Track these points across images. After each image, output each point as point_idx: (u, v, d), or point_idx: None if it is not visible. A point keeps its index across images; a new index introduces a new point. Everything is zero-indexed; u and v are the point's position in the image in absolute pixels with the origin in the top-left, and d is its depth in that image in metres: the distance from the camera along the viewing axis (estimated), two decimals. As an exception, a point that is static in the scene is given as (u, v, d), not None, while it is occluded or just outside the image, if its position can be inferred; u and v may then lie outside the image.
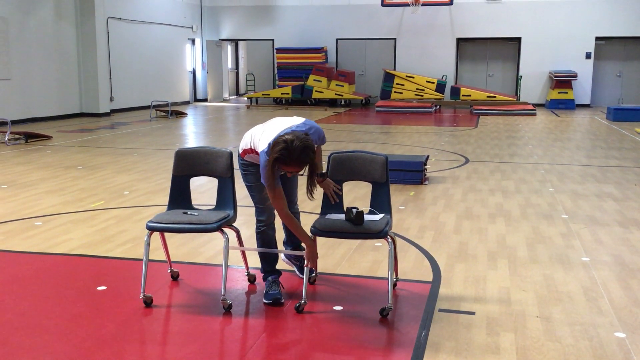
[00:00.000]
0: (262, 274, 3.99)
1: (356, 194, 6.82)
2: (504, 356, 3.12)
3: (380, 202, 3.92)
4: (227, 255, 3.70)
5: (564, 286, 4.09)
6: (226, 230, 3.77)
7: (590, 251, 4.85)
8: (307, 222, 5.58)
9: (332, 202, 3.90)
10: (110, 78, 17.19)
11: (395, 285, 4.03)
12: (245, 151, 3.83)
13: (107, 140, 11.70)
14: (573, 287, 4.07)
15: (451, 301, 3.83)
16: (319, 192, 3.89)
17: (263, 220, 3.91)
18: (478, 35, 21.01)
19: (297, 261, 4.25)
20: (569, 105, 19.67)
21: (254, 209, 3.96)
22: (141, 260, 4.28)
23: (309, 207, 6.24)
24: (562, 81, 19.72)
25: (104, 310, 3.65)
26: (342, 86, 20.44)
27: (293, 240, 4.14)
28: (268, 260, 3.97)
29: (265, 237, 3.93)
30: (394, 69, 21.41)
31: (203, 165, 4.01)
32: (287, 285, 4.09)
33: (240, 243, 4.09)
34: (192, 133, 13.14)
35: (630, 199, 6.70)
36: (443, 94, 20.15)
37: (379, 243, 4.94)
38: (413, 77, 20.35)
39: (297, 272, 4.24)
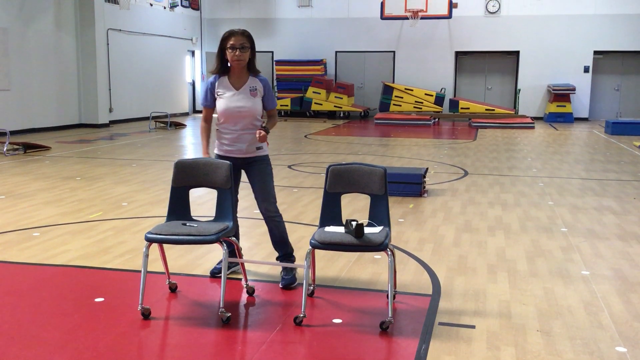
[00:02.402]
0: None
1: (355, 206, 6.81)
2: (504, 370, 3.10)
3: (379, 214, 3.91)
4: (226, 267, 3.68)
5: (564, 300, 4.07)
6: (225, 242, 3.75)
7: (590, 265, 4.84)
8: (305, 234, 5.58)
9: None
10: (110, 89, 17.21)
11: (394, 298, 4.01)
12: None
13: (106, 151, 11.70)
14: (573, 301, 4.05)
15: (451, 315, 3.81)
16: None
17: None
18: (477, 49, 21.10)
19: (286, 274, 4.31)
20: (568, 118, 19.72)
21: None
22: (139, 271, 4.26)
23: (308, 218, 6.23)
24: (561, 95, 19.79)
25: (102, 322, 3.62)
26: (341, 98, 20.49)
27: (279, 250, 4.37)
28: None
29: None
30: (393, 82, 21.48)
31: (202, 176, 4.00)
32: (288, 297, 4.06)
33: (240, 255, 4.07)
34: (191, 144, 13.14)
35: (630, 213, 6.69)
36: (442, 106, 20.21)
37: (378, 255, 4.93)
38: (412, 90, 20.41)
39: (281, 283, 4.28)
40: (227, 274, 4.30)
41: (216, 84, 4.23)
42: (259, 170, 4.28)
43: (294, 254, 4.45)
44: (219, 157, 4.29)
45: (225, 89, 4.20)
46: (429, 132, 16.15)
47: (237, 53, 4.09)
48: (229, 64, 4.18)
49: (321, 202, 4.01)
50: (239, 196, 4.45)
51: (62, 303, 3.92)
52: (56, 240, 5.42)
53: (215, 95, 4.23)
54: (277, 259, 4.42)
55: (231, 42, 4.09)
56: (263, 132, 4.09)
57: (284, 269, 4.32)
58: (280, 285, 4.26)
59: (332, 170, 3.97)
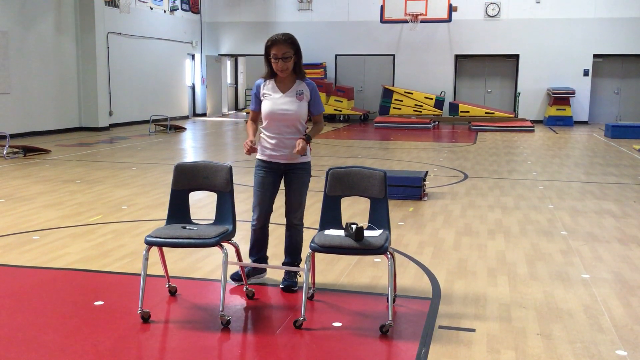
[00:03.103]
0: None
1: (355, 210, 6.80)
2: (504, 374, 3.09)
3: (379, 217, 3.91)
4: (226, 271, 3.67)
5: (564, 303, 4.06)
6: (225, 245, 3.75)
7: (590, 268, 4.84)
8: (305, 238, 5.56)
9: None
10: (110, 92, 17.22)
11: (394, 301, 4.01)
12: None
13: (105, 154, 11.70)
14: (573, 305, 4.04)
15: (451, 318, 3.80)
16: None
17: (255, 219, 4.28)
18: (476, 52, 21.12)
19: (289, 277, 4.31)
20: (567, 122, 19.74)
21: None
22: (139, 275, 4.26)
23: (308, 222, 6.23)
24: (560, 98, 19.81)
25: (101, 326, 3.61)
26: (341, 102, 20.51)
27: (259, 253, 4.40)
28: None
29: (255, 235, 4.31)
30: (393, 85, 21.49)
31: (202, 179, 4.00)
32: (288, 300, 4.06)
33: (239, 258, 4.06)
34: (191, 148, 13.15)
35: (630, 216, 6.69)
36: (441, 110, 20.22)
37: (378, 259, 4.92)
38: (412, 93, 20.43)
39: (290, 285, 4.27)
40: (250, 282, 4.33)
41: (262, 86, 4.20)
42: (298, 178, 4.20)
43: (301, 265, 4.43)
44: (262, 162, 4.20)
45: (271, 92, 4.16)
46: (429, 135, 16.16)
47: (279, 64, 4.04)
48: None
49: (321, 205, 4.02)
50: (274, 206, 4.35)
51: (62, 306, 3.91)
52: (56, 243, 5.41)
53: (261, 98, 4.19)
54: (283, 263, 4.41)
55: (274, 52, 4.03)
56: (302, 144, 3.99)
57: (287, 271, 4.31)
58: (281, 286, 4.25)
59: (332, 173, 3.97)
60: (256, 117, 4.31)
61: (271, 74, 4.17)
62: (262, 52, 4.21)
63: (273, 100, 4.13)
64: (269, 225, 4.36)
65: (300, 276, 4.36)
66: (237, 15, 22.76)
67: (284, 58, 4.03)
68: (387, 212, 3.90)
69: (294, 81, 4.17)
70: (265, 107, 4.14)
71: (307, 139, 4.07)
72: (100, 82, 16.51)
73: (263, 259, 4.40)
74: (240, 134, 16.30)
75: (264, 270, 4.47)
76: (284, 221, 4.38)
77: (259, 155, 4.21)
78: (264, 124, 4.18)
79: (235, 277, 4.39)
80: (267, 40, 4.09)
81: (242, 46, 22.93)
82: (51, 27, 15.36)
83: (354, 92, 21.64)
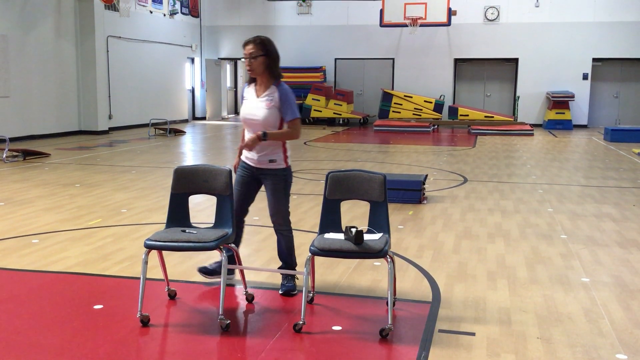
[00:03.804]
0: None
1: (354, 213, 6.80)
2: (504, 378, 3.09)
3: (379, 221, 3.91)
4: (226, 274, 3.67)
5: (564, 307, 4.06)
6: (224, 248, 3.74)
7: (590, 272, 4.83)
8: (305, 241, 5.57)
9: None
10: (110, 96, 17.23)
11: (394, 305, 4.00)
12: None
13: (105, 158, 11.70)
14: (573, 308, 4.04)
15: (451, 322, 3.80)
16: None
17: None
18: (476, 56, 21.14)
19: (287, 281, 4.31)
20: (567, 125, 19.75)
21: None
22: (138, 278, 4.25)
23: (308, 225, 6.22)
24: (560, 102, 19.82)
25: (100, 330, 3.61)
26: (341, 105, 20.52)
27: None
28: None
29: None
30: (392, 89, 21.51)
31: (202, 183, 4.00)
32: (287, 304, 4.05)
33: (239, 262, 4.06)
34: (191, 151, 13.15)
35: (629, 220, 6.69)
36: (441, 113, 20.23)
37: (377, 262, 4.92)
38: (411, 97, 20.44)
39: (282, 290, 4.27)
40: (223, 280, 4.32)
41: (245, 89, 4.28)
42: (270, 185, 4.19)
43: (296, 268, 4.43)
44: (241, 161, 4.31)
45: (249, 95, 4.22)
46: (428, 139, 16.16)
47: (246, 63, 4.12)
48: None
49: (321, 208, 4.01)
50: (250, 207, 4.39)
51: (61, 310, 3.91)
52: (55, 247, 5.41)
53: (243, 101, 4.29)
54: (280, 267, 4.41)
55: (244, 52, 4.13)
56: (251, 139, 4.01)
57: (285, 276, 4.31)
58: (280, 292, 4.25)
59: (332, 177, 3.97)
60: None
61: (253, 78, 4.23)
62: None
63: (246, 104, 4.20)
64: (265, 229, 4.36)
65: (297, 279, 4.36)
66: (236, 19, 22.78)
67: (251, 57, 4.07)
68: (387, 215, 3.90)
69: (269, 85, 4.16)
70: (241, 111, 4.24)
71: (263, 137, 4.01)
72: (99, 86, 16.51)
73: (232, 258, 4.36)
74: (240, 137, 16.29)
75: (232, 272, 4.47)
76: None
77: (242, 155, 4.34)
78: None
79: (204, 270, 4.42)
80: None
81: (242, 50, 22.90)
82: (51, 30, 15.37)
83: (353, 96, 21.65)
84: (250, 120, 4.14)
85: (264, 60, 4.10)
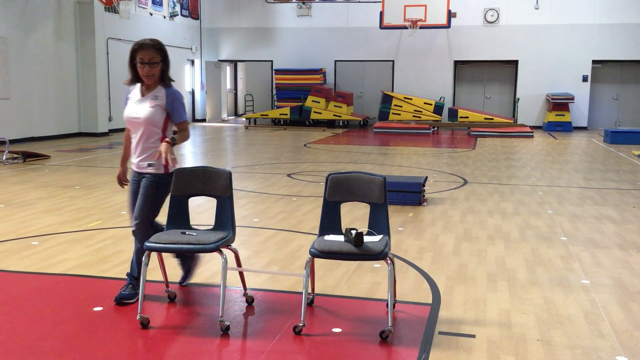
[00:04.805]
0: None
1: (354, 215, 6.80)
2: (504, 380, 3.08)
3: (379, 223, 3.90)
4: (225, 276, 3.67)
5: (564, 309, 4.06)
6: (224, 250, 3.74)
7: (590, 274, 4.83)
8: (305, 243, 5.57)
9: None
10: (110, 98, 17.23)
11: (394, 307, 4.00)
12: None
13: (105, 159, 11.69)
14: (573, 310, 4.04)
15: (451, 324, 3.79)
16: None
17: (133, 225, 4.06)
18: (475, 58, 21.16)
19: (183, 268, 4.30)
20: (566, 127, 19.76)
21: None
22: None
23: (307, 227, 6.22)
24: (559, 104, 19.83)
25: (100, 332, 3.60)
26: (341, 107, 20.52)
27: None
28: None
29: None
30: (392, 91, 21.52)
31: (202, 184, 4.00)
32: (287, 306, 4.05)
33: (239, 264, 4.06)
34: (191, 153, 13.15)
35: (629, 222, 6.69)
36: (441, 115, 20.23)
37: (377, 264, 4.92)
38: (411, 99, 20.45)
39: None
40: (183, 284, 4.34)
41: (129, 91, 4.10)
42: (142, 188, 4.00)
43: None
44: (132, 169, 4.14)
45: (134, 95, 4.05)
46: (428, 141, 16.16)
47: (145, 69, 3.90)
48: None
49: (320, 210, 4.01)
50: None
51: (61, 312, 3.90)
52: (55, 249, 5.40)
53: (127, 102, 4.09)
54: (128, 274, 4.21)
55: (140, 57, 3.89)
56: (162, 148, 3.77)
57: (128, 282, 4.13)
58: (115, 298, 4.07)
59: (332, 178, 3.97)
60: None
61: (136, 80, 4.04)
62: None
63: (130, 104, 4.04)
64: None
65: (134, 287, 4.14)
66: (236, 21, 22.80)
67: (150, 63, 3.90)
68: (387, 217, 3.90)
69: (156, 86, 4.03)
70: (124, 111, 4.07)
71: (172, 141, 3.87)
72: (99, 88, 16.52)
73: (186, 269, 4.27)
74: (240, 139, 16.32)
75: (184, 280, 4.38)
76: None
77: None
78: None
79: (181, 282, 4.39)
80: (133, 44, 3.96)
81: (242, 52, 22.96)
82: (51, 32, 15.38)
83: (353, 98, 21.66)
84: (133, 119, 3.98)
85: (162, 66, 3.99)
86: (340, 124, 21.11)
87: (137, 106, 4.00)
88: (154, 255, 3.86)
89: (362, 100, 22.29)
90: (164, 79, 4.04)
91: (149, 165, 4.00)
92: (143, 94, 4.03)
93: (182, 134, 4.08)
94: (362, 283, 4.52)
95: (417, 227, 6.36)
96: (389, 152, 13.36)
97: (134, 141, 4.06)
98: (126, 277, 4.20)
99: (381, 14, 18.91)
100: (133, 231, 4.05)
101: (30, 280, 4.56)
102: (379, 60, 21.83)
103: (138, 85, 4.07)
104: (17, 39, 14.32)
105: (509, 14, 20.67)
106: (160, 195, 4.04)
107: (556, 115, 19.87)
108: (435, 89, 21.37)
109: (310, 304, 4.07)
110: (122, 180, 4.24)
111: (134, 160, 4.06)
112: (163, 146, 3.79)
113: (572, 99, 19.79)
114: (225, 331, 3.62)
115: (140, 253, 4.00)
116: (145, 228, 4.02)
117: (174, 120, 4.05)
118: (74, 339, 3.50)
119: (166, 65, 4.03)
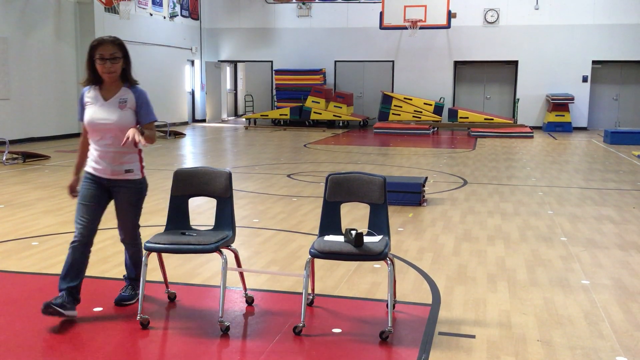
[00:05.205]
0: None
1: (354, 215, 6.80)
2: (504, 380, 3.08)
3: (379, 223, 3.90)
4: (225, 277, 3.67)
5: (564, 309, 4.06)
6: (224, 251, 3.74)
7: (590, 274, 4.83)
8: (305, 244, 5.57)
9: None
10: (109, 98, 17.22)
11: (394, 307, 4.00)
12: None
13: (105, 160, 11.67)
14: (573, 311, 4.04)
15: (451, 324, 3.79)
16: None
17: (75, 235, 3.84)
18: (475, 59, 21.16)
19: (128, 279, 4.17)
20: (566, 128, 19.76)
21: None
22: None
23: (307, 228, 6.22)
24: (559, 104, 19.83)
25: (100, 332, 3.60)
26: (341, 107, 20.52)
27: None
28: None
29: (73, 255, 3.78)
30: (392, 91, 21.53)
31: (202, 185, 4.00)
32: (287, 307, 4.05)
33: (239, 264, 4.06)
34: (191, 153, 13.15)
35: (629, 222, 6.69)
36: (441, 116, 20.24)
37: (377, 265, 4.91)
38: (411, 99, 20.45)
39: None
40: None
41: (85, 93, 3.88)
42: (123, 198, 3.91)
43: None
44: (87, 173, 3.89)
45: (93, 100, 3.83)
46: (428, 141, 16.16)
47: (107, 65, 3.73)
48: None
49: (320, 211, 4.01)
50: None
51: (61, 312, 3.90)
52: (55, 249, 5.40)
53: (84, 106, 3.86)
54: (125, 277, 4.20)
55: (100, 52, 3.72)
56: (132, 132, 3.57)
57: (127, 284, 4.12)
58: (115, 300, 4.05)
59: (332, 179, 3.97)
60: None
61: (94, 80, 3.84)
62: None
63: (93, 109, 3.81)
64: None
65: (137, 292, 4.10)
66: (236, 22, 22.80)
67: (111, 59, 3.73)
68: (387, 217, 3.90)
69: (119, 88, 3.85)
70: (86, 116, 3.82)
71: (142, 132, 3.65)
72: (99, 88, 16.50)
73: (75, 290, 3.77)
74: (240, 139, 16.32)
75: (73, 308, 3.76)
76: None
77: (86, 167, 3.93)
78: (88, 134, 3.89)
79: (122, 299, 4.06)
80: (92, 41, 3.76)
81: (242, 52, 22.96)
82: (51, 33, 15.38)
83: (353, 98, 21.66)
84: (101, 124, 3.76)
85: (123, 63, 3.83)
86: (340, 124, 21.11)
87: (105, 110, 3.79)
88: (153, 255, 3.86)
89: (362, 101, 22.29)
90: (128, 79, 3.89)
91: (127, 171, 3.85)
92: (106, 97, 3.83)
93: (150, 132, 3.83)
94: (362, 283, 4.52)
95: (417, 227, 6.36)
96: (388, 153, 13.36)
97: (97, 147, 3.83)
98: (123, 279, 4.20)
99: (381, 14, 18.91)
100: (122, 240, 4.07)
101: (30, 280, 4.56)
102: (378, 60, 21.83)
103: (94, 88, 3.86)
104: (17, 39, 14.32)
105: (509, 15, 20.68)
106: (142, 200, 4.02)
107: (556, 115, 19.87)
108: (435, 89, 21.37)
109: (310, 304, 4.07)
110: (74, 191, 3.97)
111: (100, 166, 3.83)
112: (131, 131, 3.60)
113: (572, 99, 19.79)
114: (225, 331, 3.62)
115: (135, 254, 4.09)
116: (135, 235, 4.06)
117: (143, 122, 3.86)
118: (73, 340, 3.50)
119: (127, 64, 3.86)
